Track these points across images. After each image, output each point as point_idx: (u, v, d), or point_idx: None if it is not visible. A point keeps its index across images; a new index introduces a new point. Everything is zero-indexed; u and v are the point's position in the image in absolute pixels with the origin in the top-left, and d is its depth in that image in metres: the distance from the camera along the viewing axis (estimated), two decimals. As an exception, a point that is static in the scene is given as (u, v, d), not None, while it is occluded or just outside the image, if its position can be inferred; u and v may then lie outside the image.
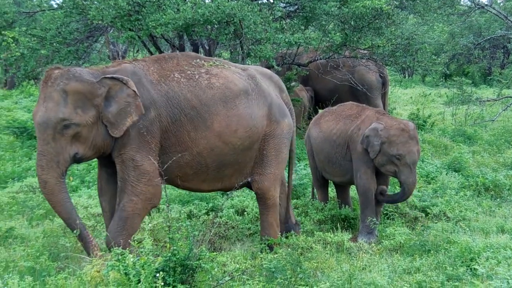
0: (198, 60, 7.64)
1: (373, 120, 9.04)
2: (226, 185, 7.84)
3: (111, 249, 6.44)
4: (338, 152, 9.39)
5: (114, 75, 6.89)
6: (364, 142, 8.86)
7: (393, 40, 13.38)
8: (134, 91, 6.84)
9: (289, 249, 7.64)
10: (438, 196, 10.28)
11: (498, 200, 10.39)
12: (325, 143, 9.58)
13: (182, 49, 14.01)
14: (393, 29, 13.44)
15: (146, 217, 8.75)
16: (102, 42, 16.28)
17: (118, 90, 6.87)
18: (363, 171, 8.98)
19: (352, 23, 12.83)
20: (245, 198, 10.08)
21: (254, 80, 7.81)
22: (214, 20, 10.51)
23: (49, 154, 6.64)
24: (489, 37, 23.97)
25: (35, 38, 12.60)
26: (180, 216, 9.32)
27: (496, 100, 17.95)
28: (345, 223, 9.35)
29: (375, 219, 8.65)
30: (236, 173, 7.77)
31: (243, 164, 7.75)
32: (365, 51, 14.02)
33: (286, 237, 8.20)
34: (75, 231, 6.76)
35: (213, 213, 9.38)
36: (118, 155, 6.99)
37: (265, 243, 7.87)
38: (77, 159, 6.90)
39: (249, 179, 7.86)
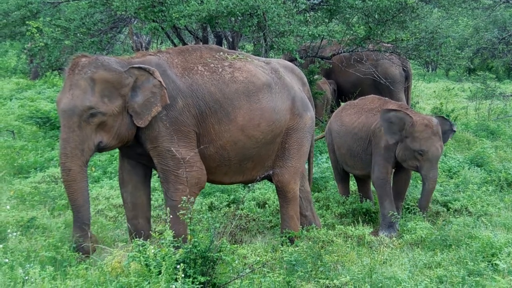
0: (221, 53, 7.61)
1: (396, 115, 9.02)
2: (247, 178, 7.85)
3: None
4: (359, 146, 9.37)
5: (141, 65, 6.90)
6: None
7: (417, 34, 13.32)
8: (160, 82, 6.83)
9: (310, 242, 7.61)
10: (460, 191, 10.25)
11: (520, 195, 10.33)
12: (346, 137, 9.55)
13: (205, 41, 14.00)
14: (417, 22, 13.37)
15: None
16: (125, 33, 16.26)
17: (144, 80, 6.87)
18: (382, 165, 8.96)
19: (376, 16, 12.75)
20: (266, 190, 10.07)
21: (277, 73, 7.78)
22: (237, 12, 10.51)
23: (74, 142, 6.61)
24: (514, 32, 23.78)
25: (59, 29, 12.66)
26: (201, 208, 9.32)
27: (519, 95, 17.87)
28: (366, 217, 9.34)
29: (396, 212, 8.63)
30: (258, 166, 7.77)
31: (264, 158, 7.74)
32: (389, 45, 13.97)
33: (307, 230, 8.20)
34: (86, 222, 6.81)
35: (234, 206, 9.38)
36: (152, 148, 6.98)
37: (285, 236, 7.88)
38: (100, 148, 6.89)
39: (271, 172, 7.86)
